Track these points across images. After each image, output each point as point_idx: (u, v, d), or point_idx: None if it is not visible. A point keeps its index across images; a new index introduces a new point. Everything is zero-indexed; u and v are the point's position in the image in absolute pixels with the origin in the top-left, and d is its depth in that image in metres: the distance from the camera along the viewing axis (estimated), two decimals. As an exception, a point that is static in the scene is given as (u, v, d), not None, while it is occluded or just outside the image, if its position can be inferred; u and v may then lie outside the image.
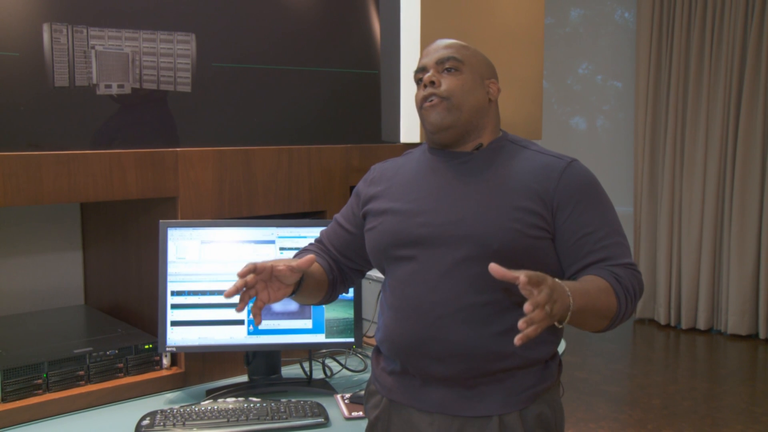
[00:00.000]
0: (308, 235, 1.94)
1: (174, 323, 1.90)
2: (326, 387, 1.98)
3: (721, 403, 4.06)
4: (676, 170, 5.49)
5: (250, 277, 1.38)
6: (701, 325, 5.41)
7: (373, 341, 2.26)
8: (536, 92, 3.16)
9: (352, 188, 1.72)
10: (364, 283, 2.21)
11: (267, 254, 1.93)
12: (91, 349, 1.89)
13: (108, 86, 2.02)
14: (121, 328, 2.09)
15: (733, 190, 5.23)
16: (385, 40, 2.58)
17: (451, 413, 1.45)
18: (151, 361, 1.97)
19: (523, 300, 1.43)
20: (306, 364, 2.06)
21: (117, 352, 1.92)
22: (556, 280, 1.25)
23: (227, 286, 1.88)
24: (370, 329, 2.27)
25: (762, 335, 5.17)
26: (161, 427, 1.67)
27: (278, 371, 2.01)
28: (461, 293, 1.41)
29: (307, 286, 1.53)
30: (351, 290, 1.97)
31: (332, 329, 1.97)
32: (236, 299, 1.40)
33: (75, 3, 1.95)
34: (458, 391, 1.45)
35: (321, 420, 1.74)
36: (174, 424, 1.68)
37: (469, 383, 1.44)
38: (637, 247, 5.69)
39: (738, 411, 3.94)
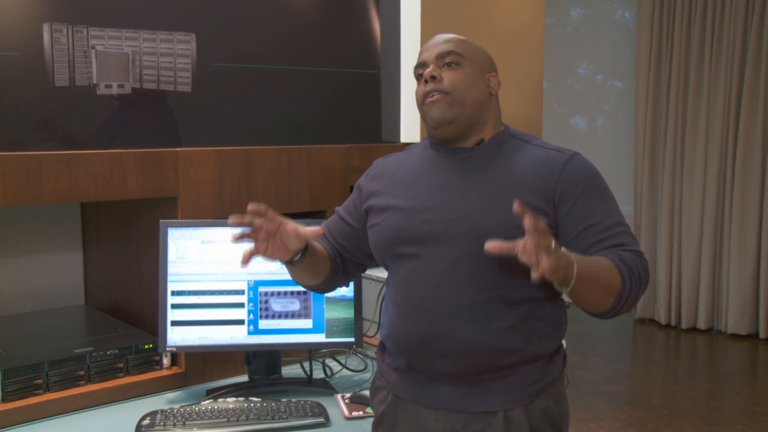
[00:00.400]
0: (308, 234, 1.94)
1: (174, 323, 1.90)
2: (326, 387, 1.98)
3: (722, 403, 4.06)
4: (677, 170, 5.49)
5: (258, 221, 1.39)
6: (701, 324, 5.41)
7: (373, 341, 2.26)
8: (536, 92, 3.16)
9: (352, 188, 1.72)
10: (365, 282, 2.21)
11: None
12: (91, 349, 1.89)
13: (108, 86, 2.02)
14: (122, 328, 2.09)
15: (733, 190, 5.23)
16: (385, 40, 2.58)
17: (456, 409, 1.45)
18: (151, 361, 1.97)
19: (526, 296, 1.43)
20: (306, 364, 2.06)
21: (117, 352, 1.92)
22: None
23: (228, 286, 1.91)
24: (371, 329, 2.27)
25: (762, 335, 5.17)
26: (161, 427, 1.67)
27: (278, 371, 2.01)
28: (464, 290, 1.41)
29: (308, 261, 1.52)
30: (351, 290, 1.97)
31: (332, 329, 1.97)
32: (238, 241, 1.41)
33: (75, 3, 1.95)
34: (463, 387, 1.45)
35: (321, 420, 1.74)
36: (174, 424, 1.68)
37: (474, 379, 1.44)
38: (638, 246, 5.68)
39: (738, 410, 3.94)
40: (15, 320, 2.19)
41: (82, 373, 1.86)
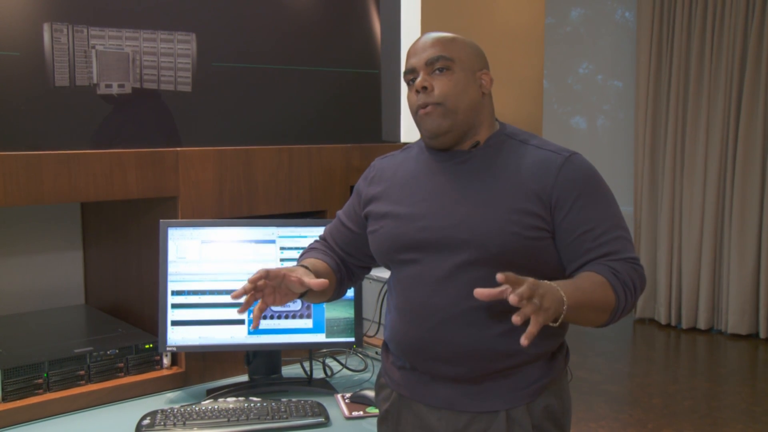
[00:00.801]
0: (309, 234, 1.94)
1: (174, 323, 1.90)
2: (326, 387, 1.98)
3: (722, 403, 4.06)
4: (677, 170, 5.49)
5: (261, 282, 1.38)
6: (701, 324, 5.41)
7: (373, 341, 2.26)
8: (537, 92, 3.17)
9: (352, 188, 1.72)
10: (365, 282, 2.21)
11: (268, 254, 1.93)
12: (91, 348, 1.89)
13: (108, 86, 2.02)
14: (122, 327, 2.09)
15: (733, 190, 5.23)
16: (386, 39, 2.58)
17: (459, 409, 1.46)
18: (151, 361, 1.97)
19: None
20: (306, 364, 2.06)
21: (117, 351, 1.92)
22: (544, 281, 1.25)
23: (228, 285, 1.91)
24: (371, 329, 2.27)
25: (762, 335, 5.17)
26: (162, 427, 1.67)
27: (279, 371, 2.01)
28: (463, 297, 1.41)
29: (314, 291, 1.52)
30: (351, 290, 1.97)
31: (332, 329, 1.97)
32: (242, 300, 1.40)
33: (75, 3, 1.95)
34: (465, 388, 1.45)
35: (321, 420, 1.74)
36: (174, 424, 1.68)
37: (476, 380, 1.45)
38: (638, 246, 5.68)
39: (738, 410, 3.94)
40: (15, 320, 2.19)
41: (82, 372, 1.86)
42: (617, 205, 1.47)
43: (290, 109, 2.37)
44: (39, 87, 1.91)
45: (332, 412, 1.80)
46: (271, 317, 1.94)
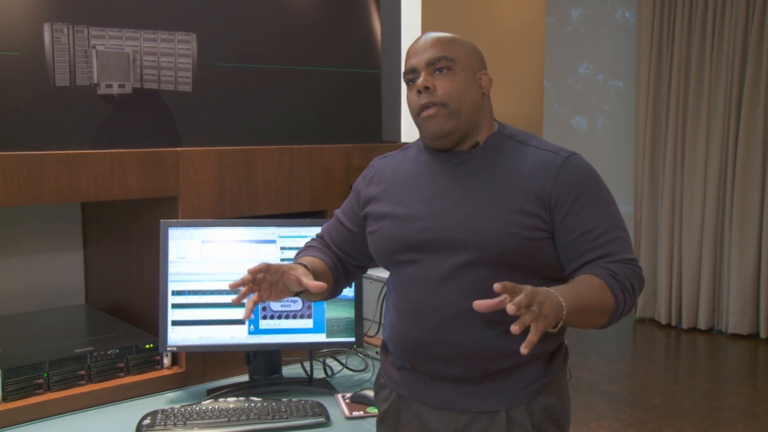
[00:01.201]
0: (309, 234, 1.94)
1: (175, 323, 1.90)
2: (327, 386, 1.98)
3: (722, 403, 4.06)
4: (677, 170, 5.49)
5: (261, 275, 1.38)
6: (702, 324, 5.41)
7: (373, 341, 2.26)
8: (537, 92, 3.17)
9: (352, 187, 1.71)
10: (365, 282, 2.21)
11: (268, 254, 1.93)
12: (91, 348, 1.89)
13: (109, 86, 2.02)
14: (122, 327, 2.09)
15: (734, 190, 5.23)
16: (386, 39, 2.58)
17: (459, 409, 1.46)
18: (151, 361, 1.97)
19: None
20: (307, 364, 2.06)
21: (118, 351, 1.92)
22: (542, 288, 1.25)
23: (228, 285, 1.90)
24: (371, 329, 2.27)
25: (763, 335, 5.17)
26: (162, 427, 1.67)
27: (279, 371, 2.01)
28: (462, 297, 1.41)
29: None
30: (352, 290, 1.97)
31: (333, 329, 1.97)
32: (241, 301, 1.40)
33: (76, 3, 1.95)
34: (465, 388, 1.45)
35: (322, 419, 1.74)
36: (175, 424, 1.68)
37: (476, 380, 1.45)
38: (638, 246, 5.68)
39: (739, 410, 3.94)
40: (15, 320, 2.19)
41: (82, 372, 1.86)
42: (616, 206, 1.47)
43: (290, 109, 2.37)
44: (39, 87, 1.91)
45: (332, 412, 1.80)
46: (272, 317, 1.94)
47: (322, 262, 1.61)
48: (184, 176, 1.97)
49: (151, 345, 1.97)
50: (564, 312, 1.25)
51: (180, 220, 1.96)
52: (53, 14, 1.92)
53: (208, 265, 1.91)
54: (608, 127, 6.26)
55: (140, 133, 2.09)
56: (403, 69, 1.53)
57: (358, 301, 1.98)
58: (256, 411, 1.74)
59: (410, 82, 1.50)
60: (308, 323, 1.95)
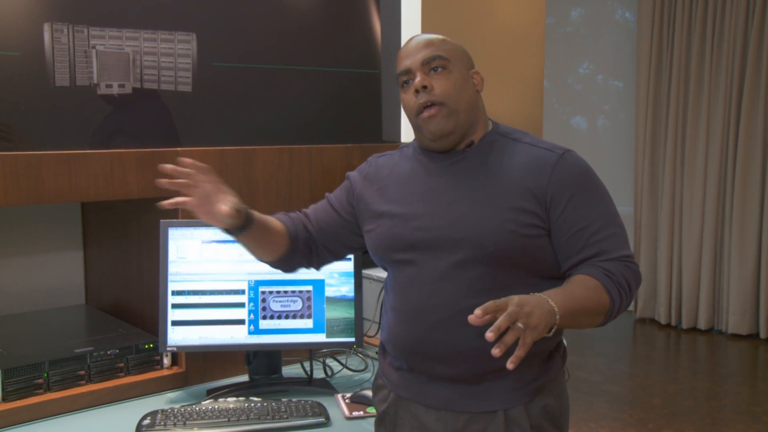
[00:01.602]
0: (309, 234, 1.94)
1: (175, 323, 1.90)
2: (327, 387, 1.98)
3: (722, 403, 4.06)
4: (677, 170, 5.49)
5: (192, 171, 1.39)
6: (702, 324, 5.41)
7: (373, 341, 2.26)
8: (537, 92, 3.17)
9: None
10: (365, 282, 2.21)
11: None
12: (91, 348, 1.89)
13: (109, 86, 2.02)
14: (122, 327, 2.09)
15: (734, 190, 5.23)
16: (386, 39, 2.58)
17: (457, 410, 1.46)
18: (151, 361, 1.97)
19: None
20: (307, 364, 2.06)
21: (118, 351, 1.92)
22: (532, 295, 1.25)
23: (228, 285, 1.91)
24: (371, 329, 2.27)
25: (763, 335, 5.17)
26: (162, 427, 1.67)
27: (279, 371, 2.01)
28: (460, 296, 1.41)
29: (253, 235, 1.51)
30: (351, 290, 1.97)
31: (333, 329, 1.97)
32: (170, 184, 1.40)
33: (76, 3, 1.95)
34: (463, 388, 1.45)
35: (322, 420, 1.74)
36: (175, 424, 1.68)
37: (474, 380, 1.45)
38: (638, 246, 5.69)
39: (739, 411, 3.94)
40: (15, 320, 2.19)
41: (82, 372, 1.86)
42: (612, 201, 1.48)
43: (290, 109, 2.37)
44: (39, 87, 1.91)
45: (332, 412, 1.80)
46: (272, 317, 1.94)
47: (280, 223, 1.59)
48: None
49: (151, 345, 1.97)
50: (557, 317, 1.26)
51: (180, 220, 1.96)
52: (53, 14, 1.92)
53: (208, 265, 1.91)
54: (608, 127, 6.26)
55: (140, 133, 2.09)
56: (397, 72, 1.53)
57: (358, 301, 1.98)
58: (256, 411, 1.74)
59: (405, 84, 1.50)
60: (308, 323, 1.95)
